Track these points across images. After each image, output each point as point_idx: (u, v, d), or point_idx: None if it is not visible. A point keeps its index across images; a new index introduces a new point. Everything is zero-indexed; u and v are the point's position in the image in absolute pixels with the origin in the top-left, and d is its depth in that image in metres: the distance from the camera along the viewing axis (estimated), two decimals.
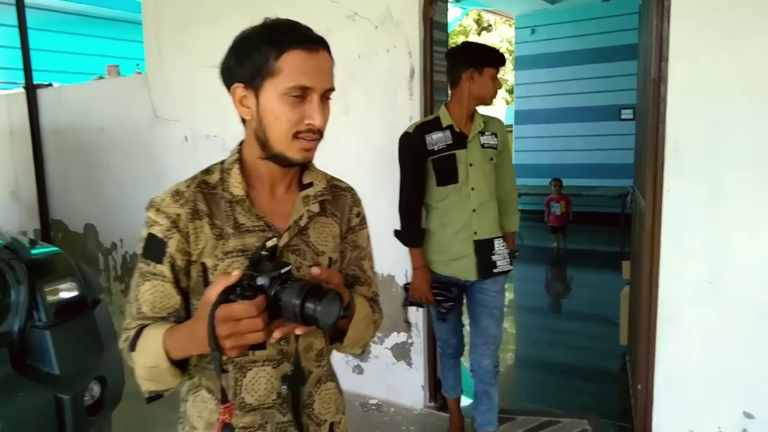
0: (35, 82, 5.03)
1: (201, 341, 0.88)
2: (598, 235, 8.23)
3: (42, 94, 5.04)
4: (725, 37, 2.20)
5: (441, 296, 2.49)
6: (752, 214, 2.23)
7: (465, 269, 2.45)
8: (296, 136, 1.01)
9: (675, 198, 2.36)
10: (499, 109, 13.15)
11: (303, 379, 1.13)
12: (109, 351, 2.21)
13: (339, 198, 1.19)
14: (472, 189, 2.41)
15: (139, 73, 4.57)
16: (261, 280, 0.89)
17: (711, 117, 2.25)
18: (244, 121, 1.08)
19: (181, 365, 1.00)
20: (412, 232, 2.49)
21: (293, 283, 0.89)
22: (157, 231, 1.04)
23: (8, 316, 2.06)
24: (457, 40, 15.86)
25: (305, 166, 1.14)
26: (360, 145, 3.18)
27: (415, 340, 3.20)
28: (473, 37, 17.75)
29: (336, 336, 1.16)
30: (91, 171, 4.80)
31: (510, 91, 15.06)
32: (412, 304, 2.59)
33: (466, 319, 2.68)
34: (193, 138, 3.96)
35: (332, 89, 1.05)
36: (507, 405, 3.19)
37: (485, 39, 17.67)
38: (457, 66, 2.41)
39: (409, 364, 3.23)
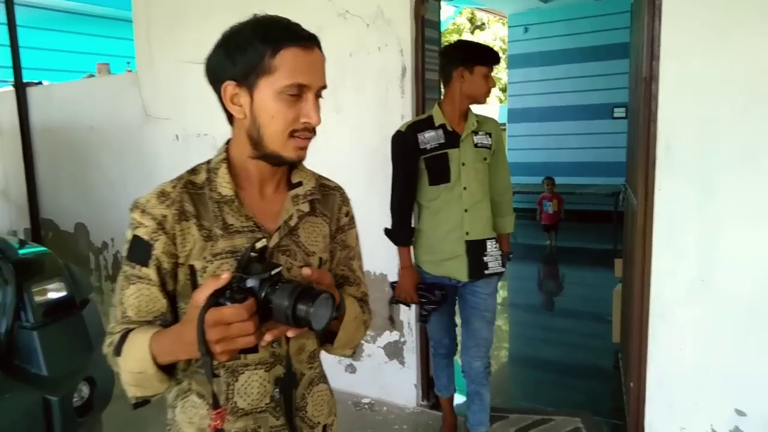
0: (25, 80, 4.98)
1: (190, 346, 0.87)
2: (591, 233, 8.25)
3: (31, 93, 4.99)
4: (716, 36, 2.20)
5: (424, 298, 2.48)
6: (743, 212, 2.23)
7: (456, 270, 2.44)
8: (292, 134, 1.01)
9: (666, 196, 2.36)
10: (493, 107, 13.15)
11: (296, 381, 1.11)
12: (98, 351, 2.16)
13: (328, 197, 1.18)
14: (464, 189, 2.40)
15: (130, 71, 4.53)
16: (251, 282, 0.88)
17: (702, 115, 2.25)
18: (231, 119, 1.06)
19: (169, 370, 0.98)
20: (401, 230, 2.48)
21: (284, 285, 0.87)
22: (142, 233, 1.02)
23: None
24: (450, 38, 15.86)
25: (294, 165, 1.13)
26: (351, 144, 3.16)
27: (407, 338, 3.19)
28: (467, 36, 17.74)
29: (326, 337, 1.14)
30: (82, 170, 4.76)
31: (503, 90, 15.08)
32: (398, 302, 2.58)
33: (458, 319, 2.67)
34: (184, 136, 3.93)
35: (325, 87, 1.04)
36: (500, 403, 3.19)
37: (479, 37, 17.67)
38: (448, 64, 2.40)
39: (402, 363, 3.22)
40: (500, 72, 14.06)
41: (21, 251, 2.30)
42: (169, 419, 1.12)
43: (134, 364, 0.97)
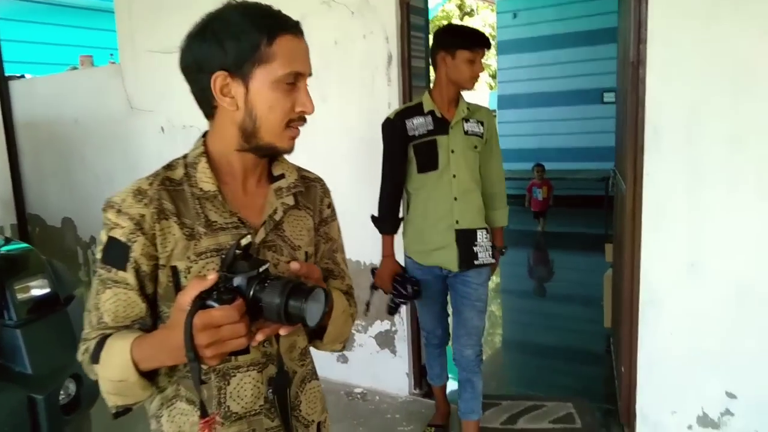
0: (6, 73, 4.91)
1: (176, 351, 0.83)
2: (583, 218, 8.26)
3: (14, 86, 4.92)
4: (704, 19, 2.18)
5: (396, 290, 2.46)
6: (732, 195, 2.22)
7: (446, 260, 2.41)
8: (288, 124, 0.98)
9: (655, 181, 2.35)
10: (483, 94, 13.12)
11: (289, 380, 1.08)
12: None
13: (310, 189, 1.15)
14: (454, 176, 2.36)
15: (113, 63, 4.47)
16: (237, 281, 0.84)
17: (690, 99, 2.24)
18: (210, 112, 1.02)
19: (151, 376, 0.94)
20: (387, 218, 2.46)
21: (273, 282, 0.84)
22: (118, 234, 0.96)
23: None
24: (439, 25, 15.76)
25: (274, 157, 1.10)
26: (338, 134, 3.13)
27: (398, 328, 3.18)
28: (456, 23, 17.66)
29: (314, 333, 1.12)
30: (67, 164, 4.71)
31: (493, 76, 15.03)
32: (377, 288, 2.57)
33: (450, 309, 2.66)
34: (170, 128, 3.89)
35: (311, 75, 1.02)
36: (492, 390, 3.20)
37: (468, 24, 17.58)
38: (434, 50, 2.36)
39: (394, 352, 3.22)
40: (490, 58, 14.00)
41: (3, 248, 2.27)
42: (154, 431, 1.06)
43: (114, 371, 0.92)
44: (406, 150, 2.38)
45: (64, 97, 4.61)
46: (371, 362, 3.29)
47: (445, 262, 2.41)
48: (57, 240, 4.87)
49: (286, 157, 1.10)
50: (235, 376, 1.01)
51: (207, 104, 1.01)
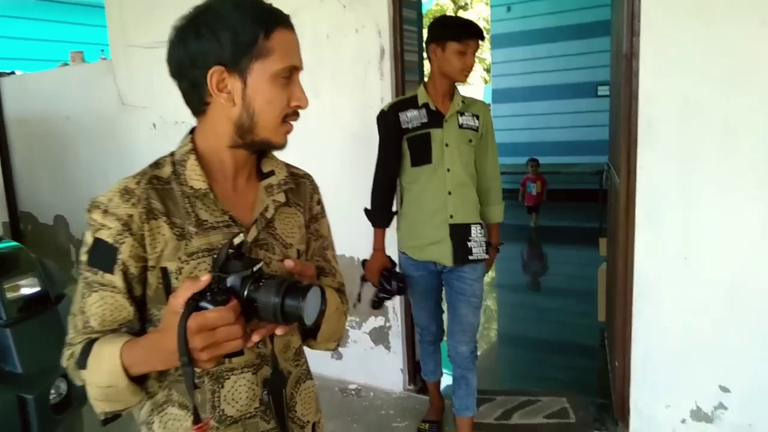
0: None
1: (169, 355, 0.81)
2: (578, 212, 8.27)
3: (4, 83, 4.90)
4: (697, 11, 2.17)
5: (380, 285, 2.45)
6: (725, 188, 2.22)
7: (441, 254, 2.38)
8: (284, 119, 0.97)
9: (649, 174, 2.34)
10: (477, 88, 13.10)
11: (284, 381, 1.06)
12: None
13: (300, 186, 1.14)
14: (448, 170, 2.34)
15: (104, 59, 4.44)
16: (231, 281, 0.82)
17: (683, 92, 2.23)
18: (200, 108, 0.99)
19: (139, 381, 0.92)
20: (380, 212, 2.44)
21: (268, 281, 0.82)
22: (105, 235, 0.93)
23: None
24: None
25: (263, 153, 1.08)
26: (331, 129, 3.11)
27: (393, 323, 3.18)
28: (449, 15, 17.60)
29: (308, 332, 1.10)
30: (59, 161, 4.68)
31: (487, 70, 15.01)
32: (365, 280, 2.56)
33: (445, 305, 2.65)
34: (162, 125, 3.86)
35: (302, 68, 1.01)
36: (487, 385, 3.19)
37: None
38: (427, 42, 2.34)
39: (388, 347, 3.21)
40: (484, 52, 13.98)
41: None
42: None
43: (103, 377, 0.89)
44: (400, 143, 2.36)
45: (55, 93, 4.58)
46: (365, 358, 3.28)
47: (440, 257, 2.40)
48: (49, 238, 4.84)
49: (275, 153, 1.09)
50: (229, 378, 0.99)
51: (198, 100, 0.98)
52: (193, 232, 0.96)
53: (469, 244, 2.39)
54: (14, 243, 2.38)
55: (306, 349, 1.17)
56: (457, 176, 2.35)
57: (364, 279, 2.55)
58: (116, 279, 0.93)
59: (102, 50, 4.67)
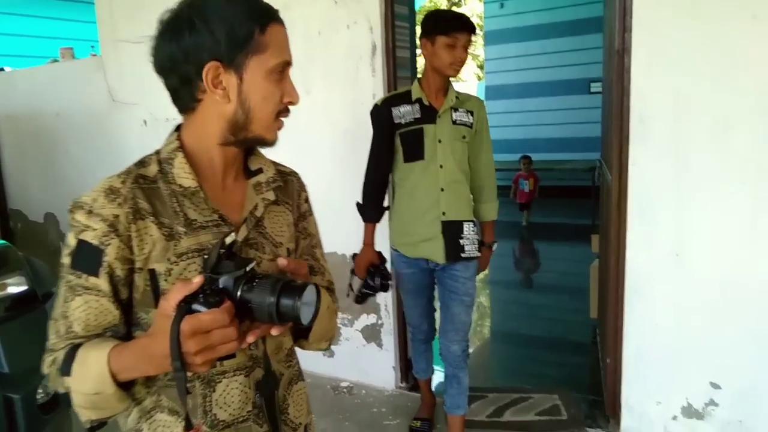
0: None
1: (160, 360, 0.78)
2: (571, 209, 8.28)
3: None
4: (689, 7, 2.16)
5: (364, 280, 2.44)
6: (716, 185, 2.22)
7: (433, 252, 2.37)
8: (278, 115, 0.96)
9: (641, 171, 2.34)
10: (471, 84, 13.08)
11: (276, 382, 1.04)
12: None
13: (287, 184, 1.12)
14: (441, 167, 2.32)
15: (94, 55, 4.41)
16: (224, 282, 0.80)
17: (675, 88, 2.23)
18: (188, 105, 0.96)
19: (126, 387, 0.88)
20: (370, 206, 2.43)
21: (262, 281, 0.81)
22: (90, 237, 0.89)
23: None
24: None
25: (251, 150, 1.07)
26: (322, 126, 3.09)
27: (384, 321, 3.17)
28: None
29: (299, 333, 1.08)
30: (49, 158, 4.64)
31: (481, 67, 15.01)
32: (355, 273, 2.55)
33: (436, 303, 2.64)
34: (152, 121, 3.83)
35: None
36: (479, 382, 3.19)
37: None
38: (420, 38, 2.32)
39: (380, 345, 3.20)
40: (477, 49, 13.97)
41: None
42: None
43: (89, 384, 0.85)
44: (392, 138, 2.35)
45: (45, 90, 4.54)
46: (357, 356, 3.27)
47: (432, 254, 2.38)
48: (40, 235, 4.80)
49: (264, 150, 1.07)
50: (221, 382, 0.97)
51: (189, 97, 0.95)
52: (182, 233, 0.93)
53: (461, 241, 2.37)
54: (2, 241, 2.35)
55: (297, 348, 1.15)
56: (450, 173, 2.34)
57: (353, 272, 2.55)
58: (101, 282, 0.90)
59: (92, 46, 4.64)
